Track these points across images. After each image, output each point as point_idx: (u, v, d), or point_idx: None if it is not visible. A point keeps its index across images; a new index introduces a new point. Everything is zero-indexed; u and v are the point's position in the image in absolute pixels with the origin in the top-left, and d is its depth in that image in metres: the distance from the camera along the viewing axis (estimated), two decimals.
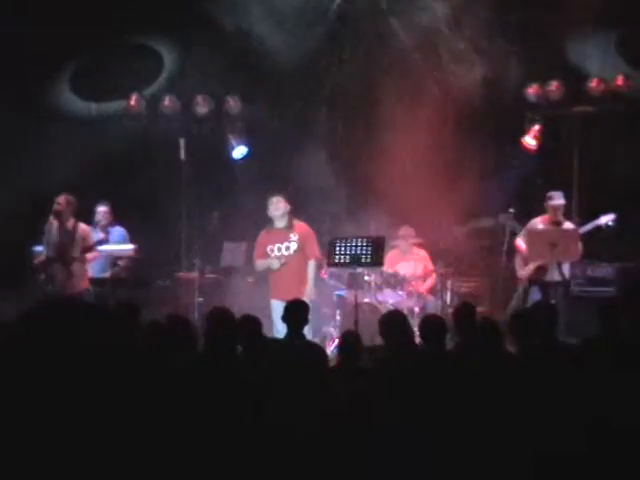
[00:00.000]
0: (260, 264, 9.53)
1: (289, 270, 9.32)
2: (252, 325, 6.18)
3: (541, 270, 10.14)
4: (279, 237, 9.44)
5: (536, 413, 4.55)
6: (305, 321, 6.53)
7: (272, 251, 9.42)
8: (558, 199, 10.35)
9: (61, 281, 9.63)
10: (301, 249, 9.38)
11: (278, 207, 9.42)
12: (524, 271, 10.36)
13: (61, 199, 9.67)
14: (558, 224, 10.33)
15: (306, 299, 8.82)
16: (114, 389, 2.18)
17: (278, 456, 3.82)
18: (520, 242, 10.44)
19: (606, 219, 10.08)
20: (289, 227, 9.45)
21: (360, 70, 11.36)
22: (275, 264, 9.37)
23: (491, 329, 6.02)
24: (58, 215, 9.59)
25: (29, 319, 2.15)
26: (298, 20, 10.84)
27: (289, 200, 9.47)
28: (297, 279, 9.29)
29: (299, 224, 9.51)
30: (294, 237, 9.40)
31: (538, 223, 10.40)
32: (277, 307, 8.90)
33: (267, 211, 9.46)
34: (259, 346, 6.16)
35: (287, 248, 9.42)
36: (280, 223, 9.46)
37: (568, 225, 10.36)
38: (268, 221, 9.52)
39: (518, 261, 10.44)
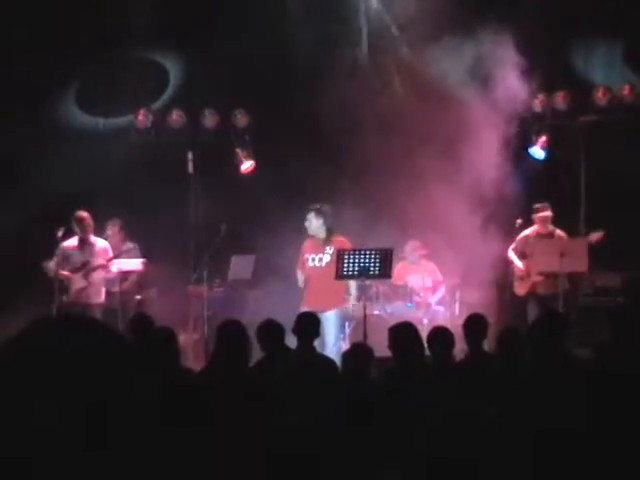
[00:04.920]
0: (298, 276, 9.66)
1: (321, 281, 9.35)
2: (276, 330, 6.24)
3: (538, 284, 10.14)
4: (315, 248, 9.54)
5: (548, 422, 4.55)
6: (316, 333, 6.54)
7: (307, 260, 9.53)
8: (544, 211, 10.31)
9: (77, 290, 9.74)
10: (334, 263, 9.34)
11: (311, 224, 9.54)
12: (523, 285, 10.32)
13: (86, 214, 9.84)
14: (548, 235, 10.30)
15: (351, 303, 9.35)
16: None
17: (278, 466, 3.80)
18: (513, 256, 10.39)
19: (595, 237, 10.00)
20: (327, 240, 9.52)
21: (373, 81, 11.39)
22: (300, 281, 9.58)
23: (513, 340, 6.04)
24: (87, 230, 9.76)
25: (21, 341, 1.81)
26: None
27: (322, 214, 9.58)
28: (328, 290, 9.31)
29: (338, 239, 9.55)
30: (329, 250, 9.44)
31: (528, 236, 10.35)
32: None
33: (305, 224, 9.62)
34: (282, 352, 6.23)
35: (320, 260, 9.50)
36: (319, 235, 9.55)
37: (559, 234, 10.32)
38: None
39: (515, 276, 10.41)
